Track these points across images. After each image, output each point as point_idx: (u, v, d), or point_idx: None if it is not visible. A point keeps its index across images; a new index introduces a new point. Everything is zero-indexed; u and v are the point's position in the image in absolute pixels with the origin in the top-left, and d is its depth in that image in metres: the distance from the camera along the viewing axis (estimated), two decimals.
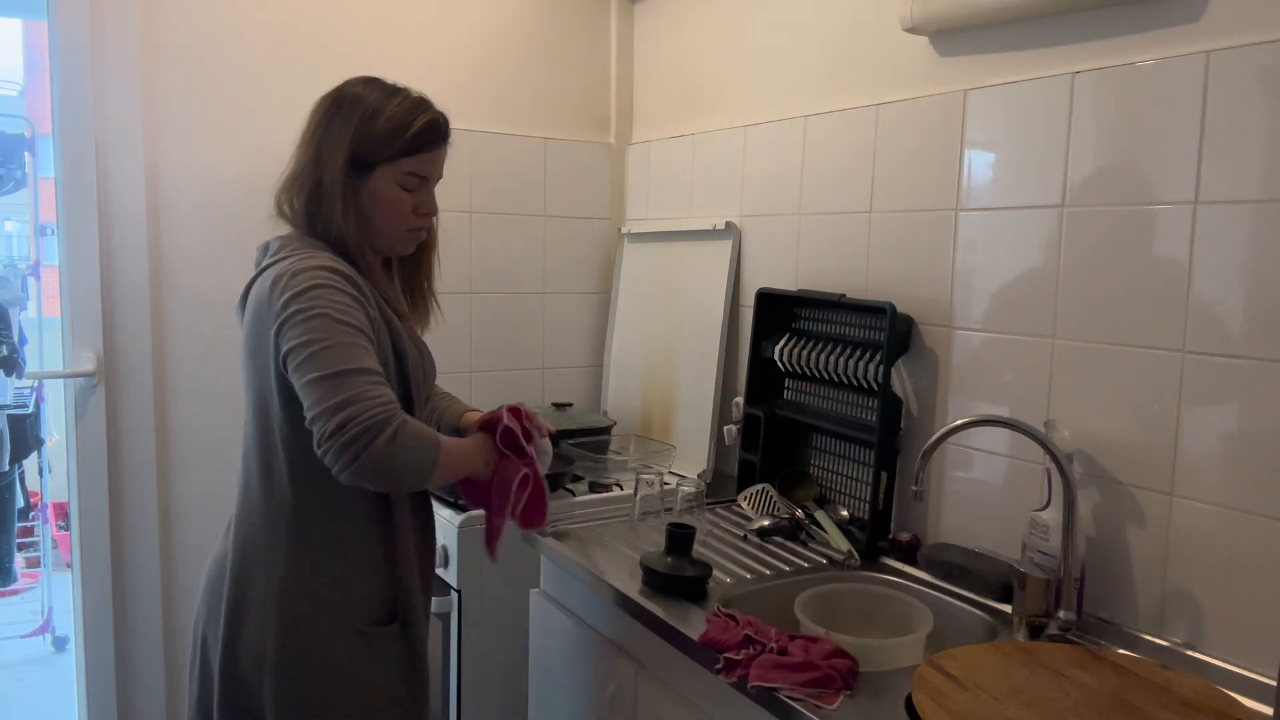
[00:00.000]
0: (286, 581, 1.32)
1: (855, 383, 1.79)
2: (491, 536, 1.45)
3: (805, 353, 1.89)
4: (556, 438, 1.61)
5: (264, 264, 1.35)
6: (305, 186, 1.37)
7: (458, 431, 1.56)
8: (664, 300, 2.43)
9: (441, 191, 2.48)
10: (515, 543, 1.89)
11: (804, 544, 1.78)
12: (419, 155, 1.38)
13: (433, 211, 1.44)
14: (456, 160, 2.43)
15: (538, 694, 1.87)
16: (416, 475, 1.26)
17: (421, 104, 1.39)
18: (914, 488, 1.40)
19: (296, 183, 1.38)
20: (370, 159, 1.36)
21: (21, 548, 4.10)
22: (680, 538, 1.52)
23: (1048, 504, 1.45)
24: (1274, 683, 1.19)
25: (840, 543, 1.72)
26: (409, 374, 1.38)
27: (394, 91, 1.39)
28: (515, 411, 1.45)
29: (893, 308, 1.68)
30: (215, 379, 2.16)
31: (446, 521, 1.96)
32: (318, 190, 1.36)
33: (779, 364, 1.97)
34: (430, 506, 1.49)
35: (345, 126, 1.35)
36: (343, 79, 1.42)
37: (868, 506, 1.75)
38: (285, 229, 1.42)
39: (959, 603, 1.52)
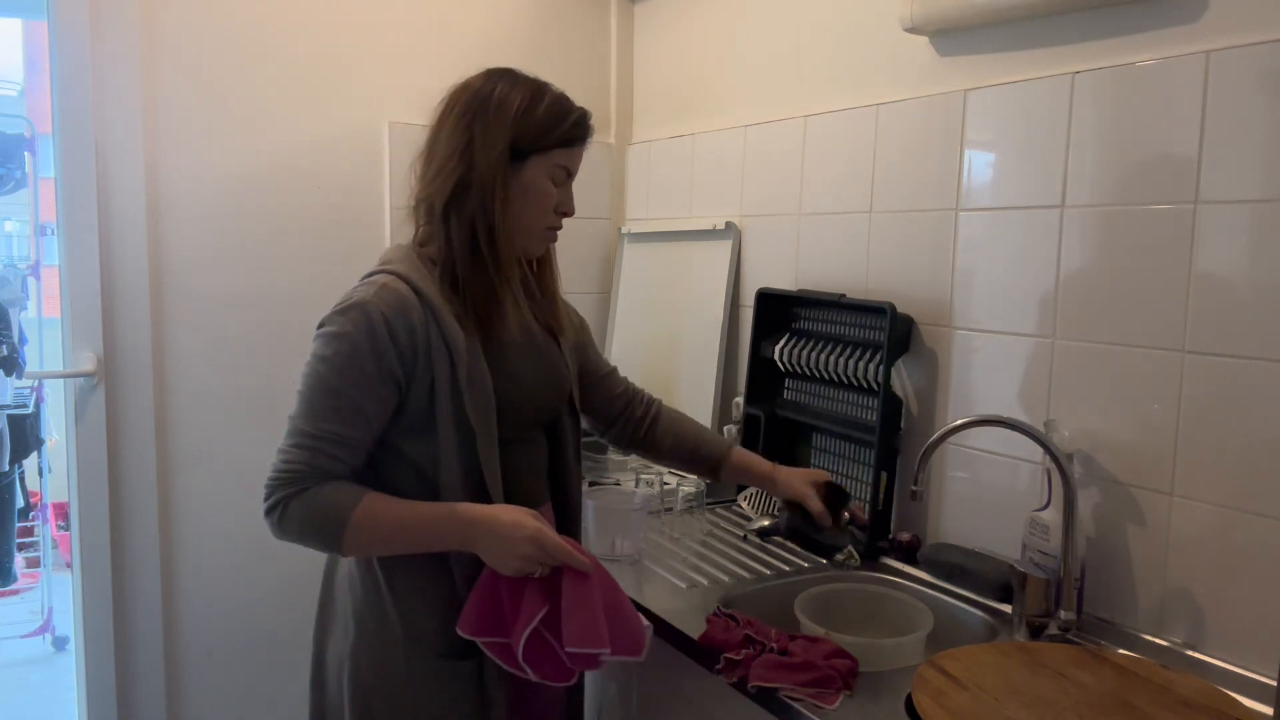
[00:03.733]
0: (363, 604, 1.29)
1: (855, 383, 1.79)
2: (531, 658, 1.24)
3: (805, 353, 1.89)
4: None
5: None
6: (454, 175, 1.26)
7: (716, 466, 1.56)
8: (664, 300, 2.42)
9: None
10: None
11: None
12: (571, 148, 1.33)
13: (571, 211, 1.37)
14: None
15: None
16: (322, 546, 1.25)
17: (567, 98, 1.35)
18: (914, 488, 1.40)
19: (442, 173, 1.27)
20: (529, 147, 1.29)
21: (21, 548, 4.11)
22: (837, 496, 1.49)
23: (1048, 504, 1.45)
24: (1274, 683, 1.19)
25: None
26: (467, 403, 1.24)
27: (540, 83, 1.33)
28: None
29: (893, 308, 1.68)
30: (215, 379, 2.16)
31: None
32: (467, 179, 1.26)
33: (779, 364, 1.97)
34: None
35: (503, 113, 1.27)
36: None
37: (868, 506, 1.75)
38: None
39: (959, 603, 1.52)
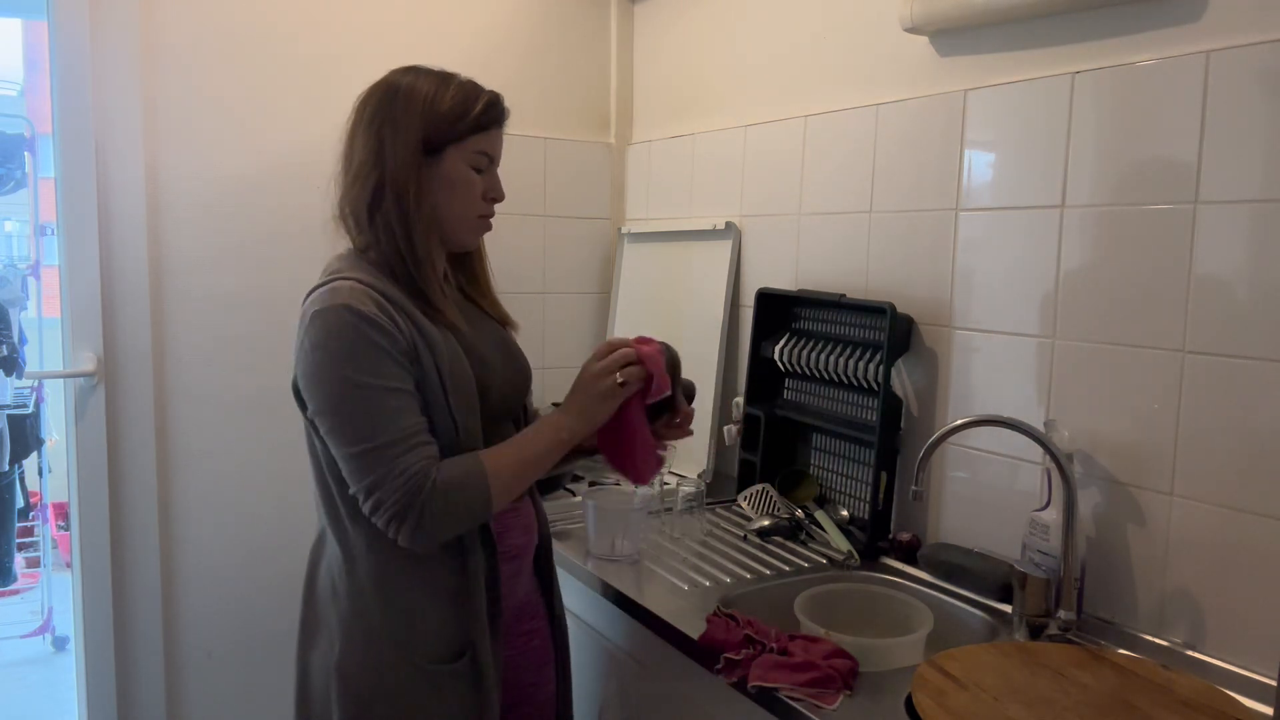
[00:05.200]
0: (350, 615, 1.28)
1: (855, 383, 1.79)
2: (645, 458, 1.35)
3: (805, 353, 1.89)
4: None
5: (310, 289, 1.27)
6: (370, 180, 1.26)
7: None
8: (664, 300, 2.42)
9: None
10: None
11: (804, 544, 1.78)
12: (487, 132, 1.31)
13: (501, 196, 1.36)
14: None
15: None
16: (474, 517, 1.23)
17: (475, 83, 1.34)
18: (914, 488, 1.40)
19: (359, 180, 1.27)
20: (441, 139, 1.28)
21: (21, 548, 4.11)
22: None
23: (1048, 504, 1.45)
24: (1274, 683, 1.19)
25: (840, 543, 1.72)
26: (450, 399, 1.25)
27: (445, 74, 1.33)
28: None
29: (893, 308, 1.68)
30: (215, 379, 2.15)
31: None
32: (383, 181, 1.26)
33: (779, 364, 1.97)
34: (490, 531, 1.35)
35: (410, 110, 1.27)
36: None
37: (868, 506, 1.75)
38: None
39: (959, 603, 1.52)
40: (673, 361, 1.37)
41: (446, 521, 1.19)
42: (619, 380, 1.29)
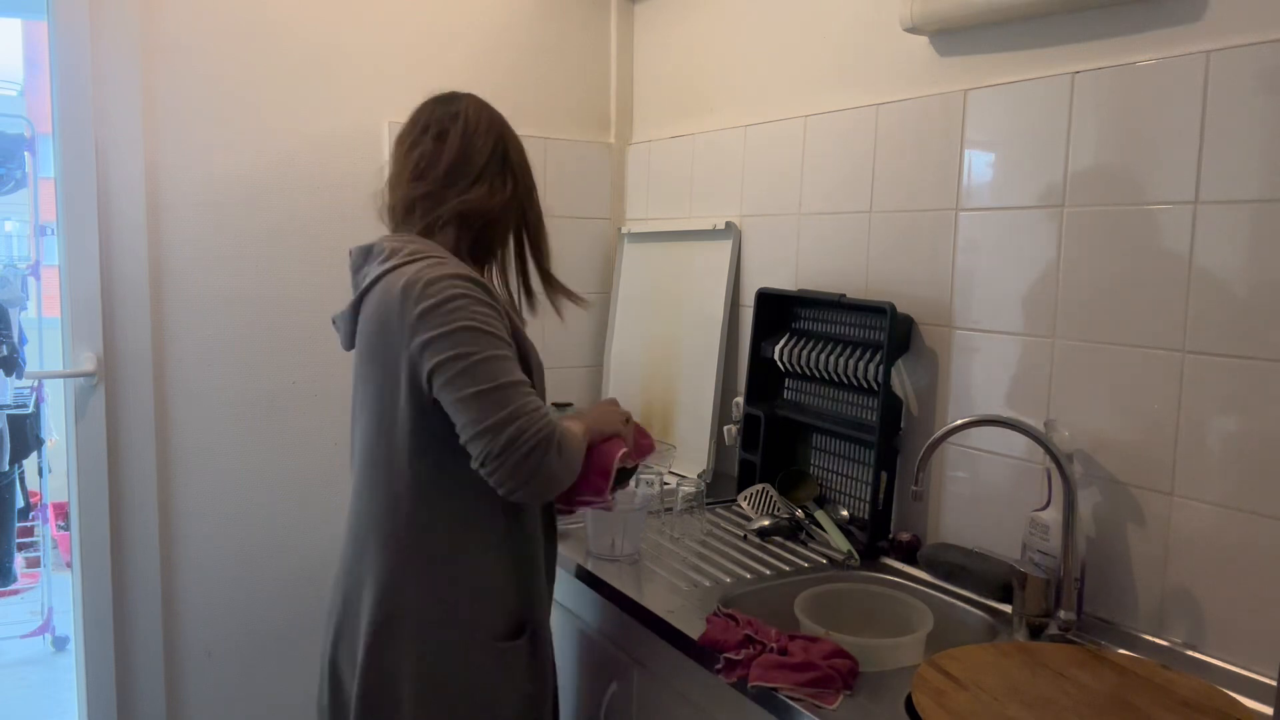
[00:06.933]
0: (422, 600, 1.30)
1: (855, 383, 1.79)
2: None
3: (805, 353, 1.89)
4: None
5: (381, 270, 1.31)
6: (504, 186, 1.42)
7: None
8: (664, 300, 2.42)
9: None
10: None
11: (804, 544, 1.78)
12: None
13: None
14: None
15: None
16: (569, 480, 1.28)
17: None
18: (914, 488, 1.40)
19: (486, 181, 1.40)
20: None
21: (21, 548, 4.11)
22: None
23: (1048, 504, 1.45)
24: (1274, 683, 1.19)
25: (840, 543, 1.72)
26: (535, 385, 1.35)
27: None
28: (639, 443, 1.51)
29: (893, 308, 1.68)
30: (215, 379, 2.15)
31: None
32: (516, 186, 1.43)
33: (779, 364, 1.97)
34: (553, 508, 1.47)
35: (520, 144, 1.47)
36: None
37: (868, 506, 1.75)
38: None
39: (959, 603, 1.52)
40: (634, 466, 1.51)
41: (560, 477, 1.24)
42: (628, 419, 1.47)
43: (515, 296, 1.49)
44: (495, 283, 1.46)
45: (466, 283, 1.26)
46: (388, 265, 1.30)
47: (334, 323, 1.41)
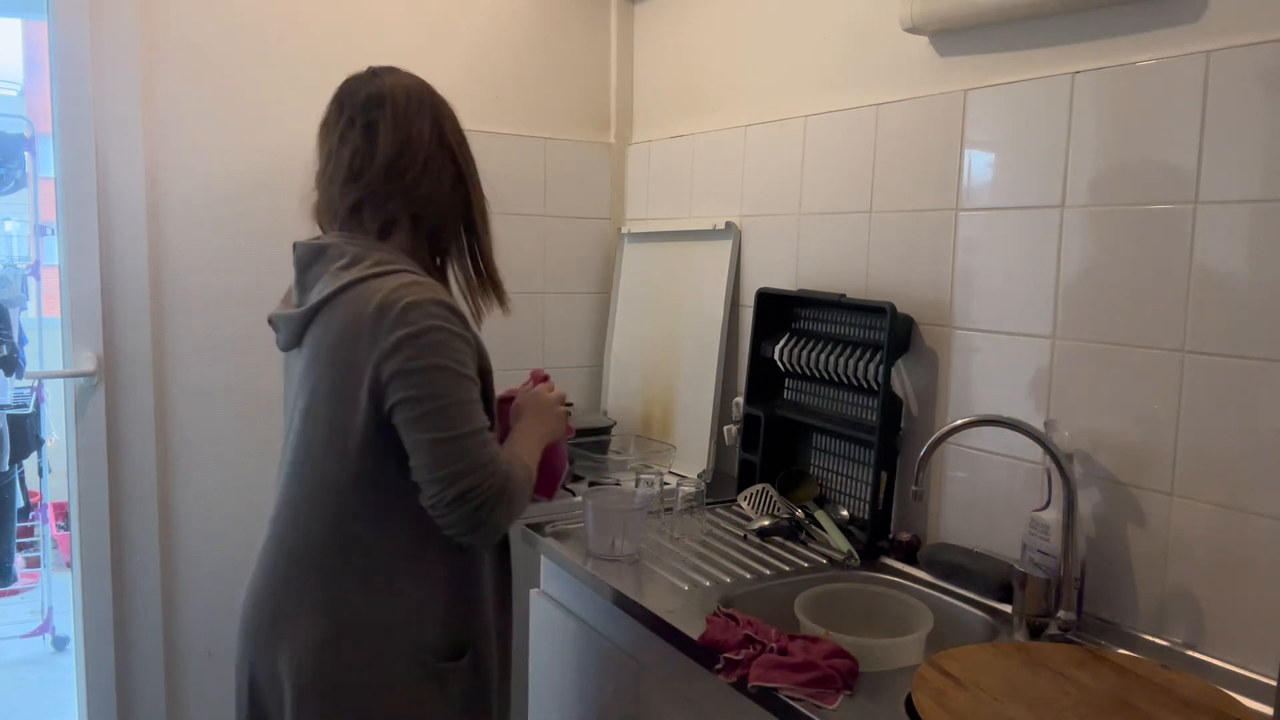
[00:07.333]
0: (362, 616, 1.25)
1: (855, 383, 1.79)
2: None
3: (805, 353, 1.89)
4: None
5: (348, 279, 1.26)
6: (444, 173, 1.34)
7: None
8: (664, 300, 2.42)
9: None
10: (516, 543, 1.89)
11: (804, 544, 1.78)
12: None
13: None
14: None
15: (538, 694, 1.87)
16: (522, 508, 1.28)
17: None
18: (914, 488, 1.40)
19: (430, 171, 1.32)
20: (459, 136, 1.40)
21: (21, 548, 4.10)
22: None
23: (1048, 504, 1.45)
24: (1274, 683, 1.19)
25: (840, 543, 1.72)
26: (491, 392, 1.34)
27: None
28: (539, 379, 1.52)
29: (893, 308, 1.68)
30: (215, 379, 2.15)
31: None
32: (462, 179, 1.37)
33: (779, 364, 1.97)
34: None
35: (451, 111, 1.39)
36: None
37: (868, 506, 1.75)
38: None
39: (959, 603, 1.52)
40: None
41: (508, 522, 1.24)
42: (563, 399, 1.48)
43: (476, 294, 1.42)
44: (455, 279, 1.41)
45: (444, 311, 1.23)
46: (355, 275, 1.26)
47: (271, 321, 1.36)
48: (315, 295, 1.29)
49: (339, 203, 1.33)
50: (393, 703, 1.26)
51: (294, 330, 1.31)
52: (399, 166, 1.30)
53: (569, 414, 1.51)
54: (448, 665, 1.29)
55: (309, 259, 1.33)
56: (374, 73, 1.36)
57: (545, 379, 1.51)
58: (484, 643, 1.32)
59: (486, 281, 1.41)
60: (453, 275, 1.42)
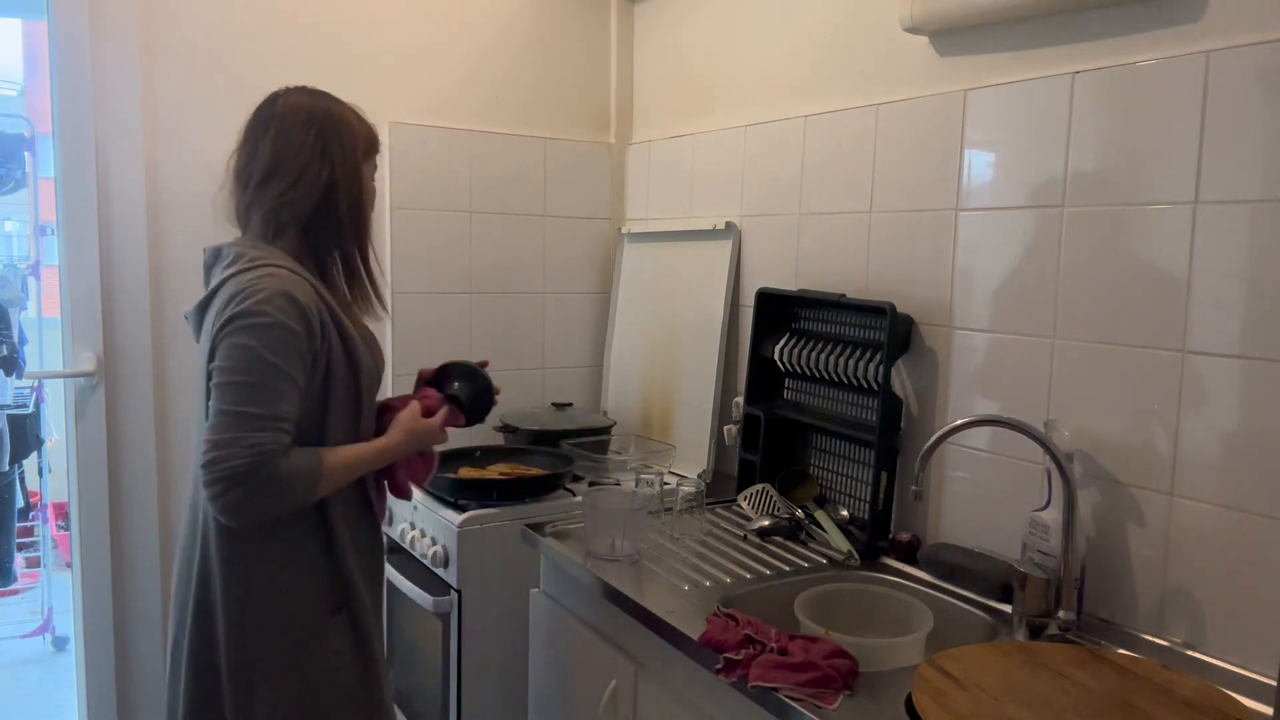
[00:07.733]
0: (241, 579, 1.37)
1: (855, 383, 1.79)
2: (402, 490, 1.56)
3: (805, 353, 1.89)
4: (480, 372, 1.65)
5: (224, 275, 1.38)
6: (320, 182, 1.42)
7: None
8: (664, 300, 2.43)
9: (442, 191, 2.48)
10: (516, 543, 1.89)
11: (804, 544, 1.78)
12: (378, 154, 1.54)
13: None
14: (456, 160, 2.44)
15: (538, 693, 1.87)
16: (289, 507, 1.33)
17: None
18: (914, 488, 1.40)
19: (304, 181, 1.42)
20: (366, 154, 1.49)
21: (21, 548, 4.10)
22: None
23: (1048, 504, 1.45)
24: (1274, 683, 1.19)
25: (840, 543, 1.72)
26: (362, 388, 1.44)
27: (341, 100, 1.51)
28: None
29: (893, 308, 1.68)
30: None
31: (446, 522, 1.96)
32: (334, 185, 1.43)
33: (779, 364, 1.97)
34: (367, 491, 1.50)
35: (347, 124, 1.46)
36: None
37: (868, 506, 1.75)
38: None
39: (959, 603, 1.52)
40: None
41: (269, 505, 1.30)
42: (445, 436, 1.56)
43: (355, 295, 1.52)
44: (339, 279, 1.49)
45: (284, 303, 1.31)
46: (231, 271, 1.38)
47: (186, 318, 1.47)
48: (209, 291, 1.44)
49: (235, 209, 1.49)
50: (278, 664, 1.38)
51: (195, 323, 1.45)
52: (273, 175, 1.43)
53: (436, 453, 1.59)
54: (327, 620, 1.41)
55: (210, 261, 1.47)
56: (274, 95, 1.49)
57: (432, 397, 1.57)
58: (357, 599, 1.44)
59: (363, 283, 1.51)
60: (340, 272, 1.52)
